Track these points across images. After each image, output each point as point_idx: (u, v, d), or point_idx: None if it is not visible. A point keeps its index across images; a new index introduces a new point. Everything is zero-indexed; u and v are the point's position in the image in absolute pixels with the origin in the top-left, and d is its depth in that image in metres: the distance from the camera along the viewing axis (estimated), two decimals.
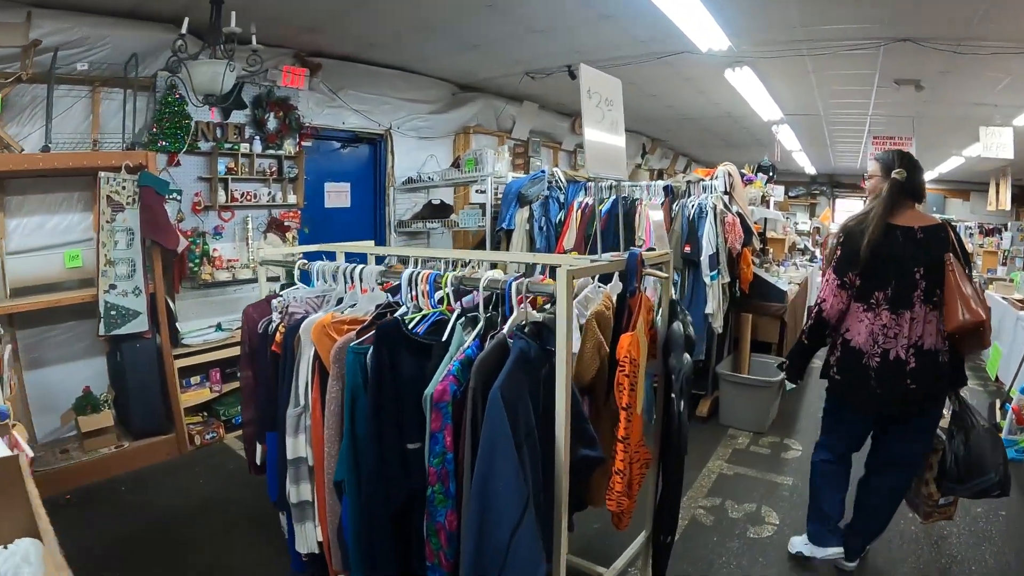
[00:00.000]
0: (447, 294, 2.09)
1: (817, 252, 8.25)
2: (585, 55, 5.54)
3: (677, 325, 2.21)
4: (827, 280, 2.49)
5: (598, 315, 2.11)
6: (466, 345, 1.86)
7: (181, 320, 4.76)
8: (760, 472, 3.86)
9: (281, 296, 2.79)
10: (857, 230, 2.38)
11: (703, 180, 4.59)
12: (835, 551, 2.73)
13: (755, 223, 5.30)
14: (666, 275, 2.15)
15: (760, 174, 6.16)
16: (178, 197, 4.85)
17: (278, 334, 2.61)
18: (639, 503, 2.33)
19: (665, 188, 4.67)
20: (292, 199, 5.34)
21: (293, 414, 2.46)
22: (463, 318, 2.00)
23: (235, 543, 3.10)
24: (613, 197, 4.80)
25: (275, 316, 2.73)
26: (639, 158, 10.16)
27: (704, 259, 4.30)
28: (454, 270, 3.00)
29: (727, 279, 4.38)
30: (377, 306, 2.38)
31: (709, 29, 4.51)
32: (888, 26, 4.49)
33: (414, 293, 2.20)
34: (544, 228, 5.01)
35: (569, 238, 4.82)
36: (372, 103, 5.89)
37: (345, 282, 2.62)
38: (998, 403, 4.59)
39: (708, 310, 4.34)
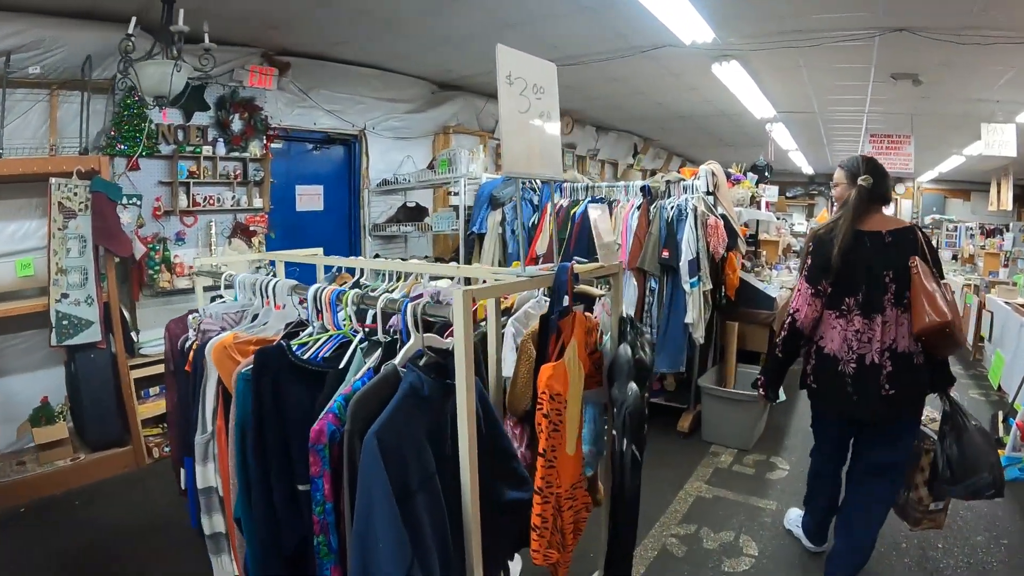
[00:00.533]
0: (349, 315, 1.78)
1: None
2: (563, 50, 5.24)
3: (624, 349, 1.88)
4: (799, 290, 2.44)
5: (536, 335, 1.79)
6: (356, 377, 1.55)
7: (142, 329, 4.51)
8: (742, 495, 3.51)
9: (197, 311, 2.49)
10: (827, 238, 2.35)
11: (684, 180, 4.25)
12: (813, 548, 2.86)
13: (742, 225, 4.96)
14: (602, 292, 1.81)
15: (751, 174, 5.80)
16: (138, 202, 4.59)
17: (191, 353, 2.33)
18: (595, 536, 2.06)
19: (643, 189, 4.33)
20: (258, 203, 5.06)
21: (201, 441, 2.20)
22: (365, 343, 1.69)
23: (177, 565, 2.84)
24: (588, 199, 4.47)
25: (191, 333, 2.44)
26: (630, 158, 9.81)
27: (683, 265, 3.97)
28: (398, 283, 2.72)
29: (709, 286, 4.04)
30: (287, 324, 2.10)
31: (692, 21, 4.18)
32: (883, 15, 4.14)
33: (320, 311, 1.89)
34: (517, 232, 4.68)
35: (542, 243, 4.50)
36: (345, 103, 5.61)
37: (261, 297, 2.31)
38: (1000, 415, 4.22)
39: (688, 319, 4.00)
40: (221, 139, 4.86)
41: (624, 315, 2.02)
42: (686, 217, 4.03)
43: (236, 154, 4.92)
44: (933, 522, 2.54)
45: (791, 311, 2.44)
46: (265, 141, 5.08)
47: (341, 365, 1.67)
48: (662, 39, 4.69)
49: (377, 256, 5.89)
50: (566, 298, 1.74)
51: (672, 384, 4.65)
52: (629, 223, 4.20)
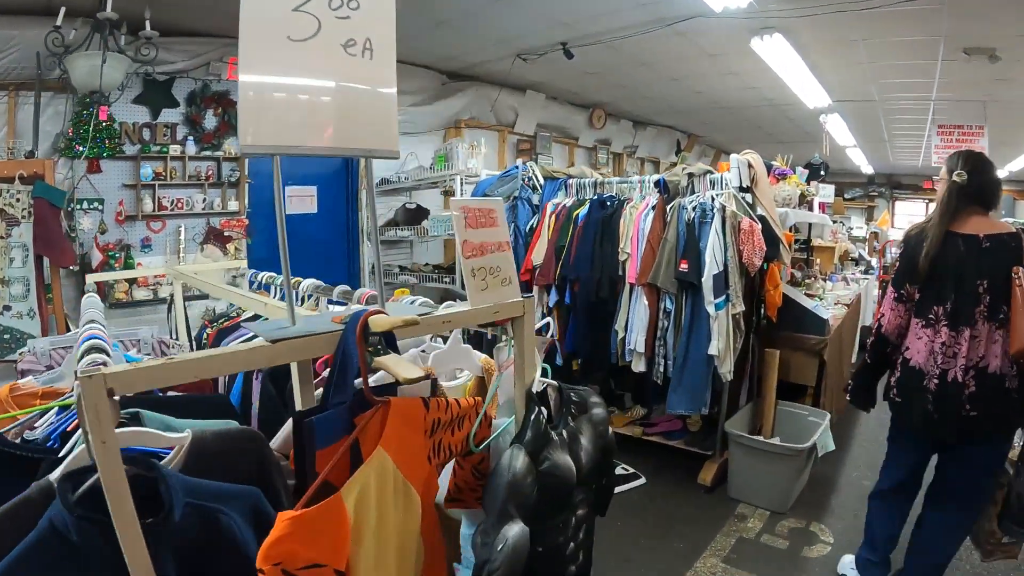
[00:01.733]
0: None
1: (874, 262, 6.63)
2: (578, 28, 4.35)
3: (512, 458, 1.00)
4: (887, 293, 2.23)
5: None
6: None
7: None
8: None
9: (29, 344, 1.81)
10: (917, 239, 2.09)
11: (711, 173, 3.28)
12: None
13: (788, 230, 3.92)
14: (419, 375, 0.90)
15: (801, 169, 4.72)
16: (99, 207, 4.03)
17: None
18: None
19: (657, 183, 3.38)
20: (233, 206, 4.39)
21: None
22: None
23: None
24: (594, 198, 3.56)
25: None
26: (673, 156, 8.72)
27: (707, 280, 3.00)
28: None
29: (740, 308, 3.05)
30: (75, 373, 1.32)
31: None
32: None
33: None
34: (513, 238, 3.82)
35: (539, 251, 3.61)
36: None
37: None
38: None
39: (712, 350, 3.03)
40: (191, 137, 4.23)
41: (538, 388, 1.14)
42: (711, 219, 3.06)
43: (208, 153, 4.29)
44: (1007, 553, 2.24)
45: (878, 315, 2.27)
46: None
47: (63, 452, 0.90)
48: (689, 6, 3.72)
49: (373, 267, 5.15)
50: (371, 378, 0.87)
51: (697, 423, 3.68)
52: (641, 227, 3.26)
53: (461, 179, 4.29)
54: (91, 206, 4.05)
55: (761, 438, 3.28)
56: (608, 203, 3.47)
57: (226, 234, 4.38)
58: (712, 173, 3.28)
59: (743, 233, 3.07)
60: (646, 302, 3.19)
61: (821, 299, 4.47)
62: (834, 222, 7.45)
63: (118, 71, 3.54)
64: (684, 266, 3.05)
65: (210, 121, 4.30)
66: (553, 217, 3.62)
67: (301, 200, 5.00)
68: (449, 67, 5.32)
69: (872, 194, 11.00)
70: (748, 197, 3.30)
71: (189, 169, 4.24)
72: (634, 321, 3.26)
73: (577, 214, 3.52)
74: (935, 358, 2.01)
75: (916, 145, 8.05)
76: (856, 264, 6.65)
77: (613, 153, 7.41)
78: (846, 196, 10.64)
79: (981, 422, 1.98)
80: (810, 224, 5.30)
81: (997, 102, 5.73)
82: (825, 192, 6.10)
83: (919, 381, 2.04)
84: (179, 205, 4.21)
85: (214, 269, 4.60)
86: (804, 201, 4.54)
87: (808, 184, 4.60)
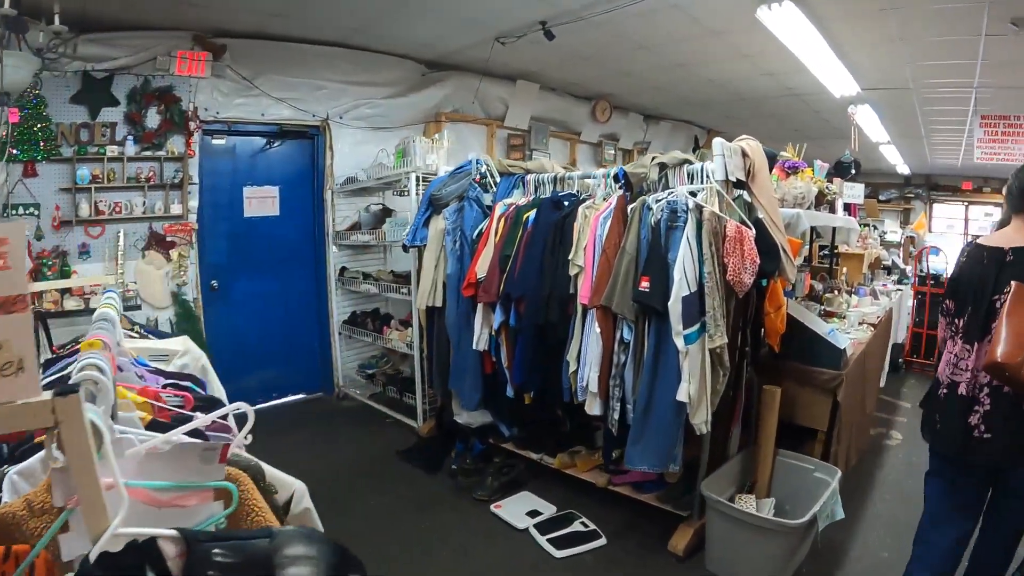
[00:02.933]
0: None
1: (908, 270, 5.45)
2: (558, 3, 3.49)
3: None
4: None
5: None
6: None
7: None
8: None
9: None
10: (961, 253, 1.87)
11: (689, 163, 2.36)
12: None
13: (797, 236, 2.94)
14: None
15: (819, 164, 3.69)
16: (36, 212, 3.46)
17: None
18: None
19: (616, 177, 2.48)
20: (177, 209, 3.73)
21: None
22: None
23: None
24: (549, 196, 2.69)
25: None
26: (690, 153, 7.61)
27: (674, 304, 2.10)
28: None
29: (722, 340, 2.13)
30: None
31: None
32: None
33: None
34: (459, 245, 2.99)
35: (484, 261, 2.77)
36: (303, 89, 4.14)
37: None
38: None
39: (681, 396, 2.13)
40: (132, 137, 3.60)
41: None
42: (682, 223, 2.16)
43: (149, 153, 3.64)
44: None
45: None
46: (187, 136, 3.75)
47: None
48: None
49: (344, 270, 4.41)
50: None
51: (676, 474, 2.76)
52: (599, 233, 2.37)
53: (418, 177, 3.49)
54: (27, 211, 3.48)
55: (746, 505, 2.35)
56: (565, 203, 2.60)
57: (169, 239, 3.73)
58: (691, 163, 2.36)
59: (728, 241, 2.15)
60: (598, 329, 2.31)
61: (842, 318, 3.46)
62: (864, 226, 6.28)
63: (24, 71, 2.94)
64: (645, 284, 2.16)
65: (152, 119, 3.66)
66: (502, 220, 2.78)
67: (262, 202, 4.31)
68: (427, 56, 4.52)
69: (908, 196, 9.54)
70: (740, 194, 2.38)
71: (129, 171, 3.61)
72: (587, 352, 2.38)
73: (527, 217, 2.66)
74: (949, 369, 1.81)
75: (955, 142, 6.73)
76: (888, 273, 5.50)
77: (622, 149, 6.40)
78: (880, 198, 9.27)
79: (997, 446, 1.69)
80: (834, 229, 4.26)
81: None
82: (854, 192, 4.99)
83: (935, 391, 1.86)
84: (117, 209, 3.58)
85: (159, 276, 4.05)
86: (824, 201, 3.53)
87: (830, 181, 3.57)
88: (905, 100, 5.18)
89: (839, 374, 2.62)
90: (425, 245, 3.20)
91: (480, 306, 2.80)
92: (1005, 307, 1.61)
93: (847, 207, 6.25)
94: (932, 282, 4.94)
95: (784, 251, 2.41)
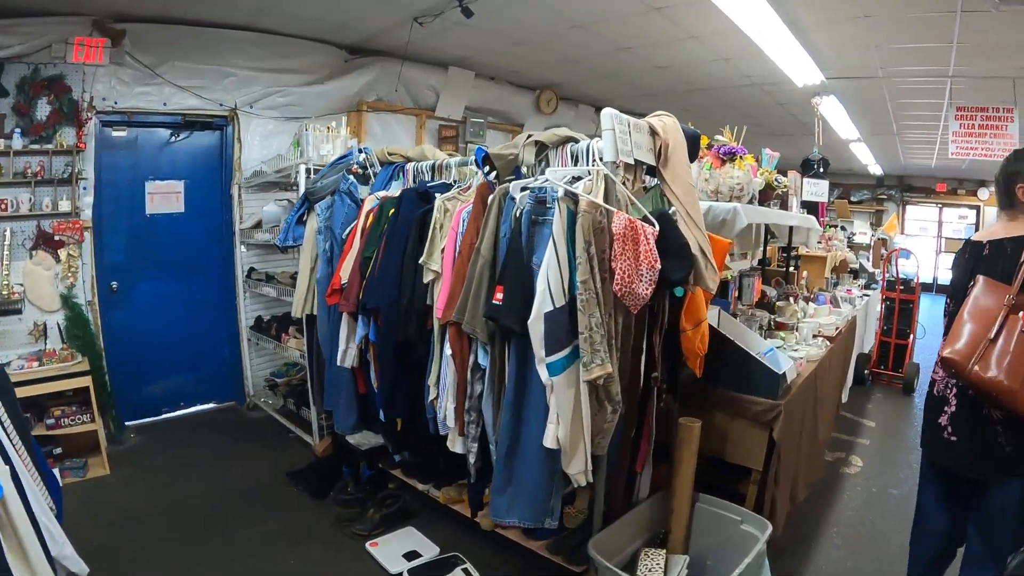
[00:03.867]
0: None
1: (878, 274, 4.78)
2: None
3: None
4: None
5: None
6: None
7: None
8: None
9: None
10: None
11: (574, 141, 1.72)
12: None
13: (733, 235, 2.30)
14: None
15: (768, 154, 3.04)
16: None
17: None
18: None
19: (478, 160, 1.84)
20: (66, 206, 3.13)
21: None
22: None
23: None
24: (415, 186, 2.06)
25: None
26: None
27: (534, 323, 1.46)
28: None
29: (604, 370, 1.49)
30: None
31: None
32: None
33: None
34: (329, 245, 2.35)
35: (348, 264, 2.14)
36: (210, 77, 3.54)
37: None
38: None
39: (548, 441, 1.50)
40: (19, 129, 3.01)
41: None
42: (551, 218, 1.53)
43: (37, 147, 3.05)
44: None
45: None
46: (77, 128, 3.16)
47: None
48: None
49: (252, 271, 3.79)
50: None
51: (577, 515, 2.12)
52: (460, 231, 1.75)
53: (308, 169, 2.86)
54: None
55: (650, 564, 1.72)
56: (435, 195, 1.96)
57: (57, 238, 3.13)
58: (576, 142, 1.72)
59: (617, 241, 1.51)
60: (450, 351, 1.68)
61: (793, 330, 2.81)
62: (832, 226, 5.63)
63: None
64: (499, 296, 1.52)
65: (41, 110, 3.09)
66: (368, 216, 2.14)
67: (165, 198, 3.69)
68: (349, 40, 3.89)
69: (881, 197, 8.86)
70: (651, 182, 1.76)
71: (16, 165, 3.04)
72: (444, 378, 1.75)
73: (392, 212, 2.03)
74: (934, 368, 1.64)
75: (929, 139, 6.06)
76: (855, 277, 4.84)
77: None
78: (852, 199, 8.59)
79: (965, 452, 1.51)
80: (791, 229, 3.61)
81: None
82: (817, 189, 4.35)
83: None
84: (3, 207, 3.00)
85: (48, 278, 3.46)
86: (774, 196, 2.88)
87: (783, 174, 2.92)
88: (875, 91, 4.53)
89: (776, 404, 1.98)
90: (300, 245, 2.58)
91: (345, 316, 2.18)
92: (967, 300, 1.46)
93: (812, 206, 5.60)
94: (901, 287, 4.28)
95: (703, 253, 1.76)
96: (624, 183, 1.84)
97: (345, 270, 2.14)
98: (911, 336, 4.20)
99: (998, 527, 1.50)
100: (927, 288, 9.05)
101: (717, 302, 2.48)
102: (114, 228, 3.50)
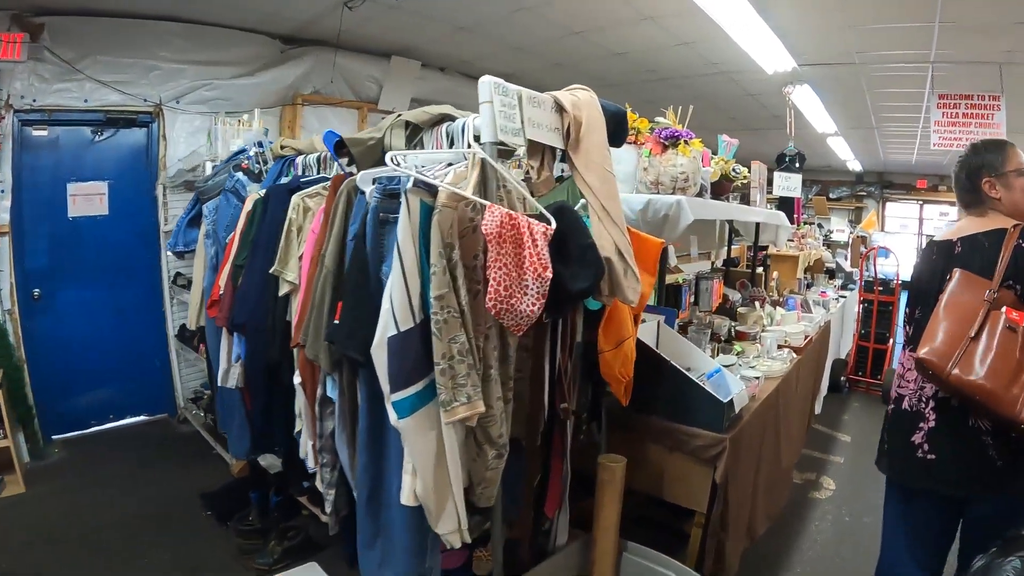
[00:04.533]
0: None
1: (856, 273, 4.37)
2: None
3: None
4: None
5: None
6: None
7: None
8: None
9: None
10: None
11: (449, 119, 1.32)
12: None
13: (677, 234, 1.90)
14: None
15: (724, 140, 2.63)
16: None
17: None
18: None
19: (329, 145, 1.44)
20: None
21: None
22: None
23: None
24: (286, 183, 1.67)
25: None
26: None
27: (378, 352, 1.07)
28: None
29: (472, 409, 1.10)
30: None
31: None
32: None
33: None
34: (215, 250, 1.96)
35: (226, 272, 1.75)
36: (134, 71, 3.18)
37: None
38: None
39: (405, 497, 1.11)
40: None
41: None
42: (396, 214, 1.13)
43: None
44: None
45: None
46: None
47: None
48: None
49: (178, 276, 3.39)
50: None
51: (488, 560, 1.72)
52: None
53: (210, 167, 2.47)
54: None
55: None
56: (283, 192, 1.56)
57: None
58: (451, 120, 1.32)
59: (492, 244, 1.12)
60: (298, 379, 1.29)
61: (755, 341, 2.41)
62: (807, 223, 5.22)
63: None
64: (340, 316, 1.12)
65: None
66: (245, 218, 1.75)
67: (88, 200, 3.29)
68: (283, 29, 3.49)
69: (860, 194, 8.42)
70: (557, 169, 1.36)
71: None
72: (302, 411, 1.36)
73: (261, 213, 1.63)
74: (897, 381, 1.45)
75: (910, 133, 5.64)
76: (831, 277, 4.43)
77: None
78: (831, 196, 8.17)
79: (946, 472, 1.31)
80: (757, 226, 3.20)
81: (1019, 64, 3.48)
82: (790, 183, 3.97)
83: (887, 406, 1.51)
84: None
85: None
86: (732, 189, 2.48)
87: (744, 166, 2.51)
88: (852, 80, 4.12)
89: (720, 439, 1.58)
90: (193, 250, 2.18)
91: (224, 331, 1.78)
92: (943, 297, 1.30)
93: (788, 202, 5.17)
94: (880, 288, 3.87)
95: (622, 257, 1.36)
96: (529, 172, 1.46)
97: (224, 278, 1.75)
98: (890, 341, 3.79)
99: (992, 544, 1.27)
100: (906, 286, 8.55)
101: (663, 311, 2.08)
102: (35, 232, 3.14)
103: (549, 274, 1.16)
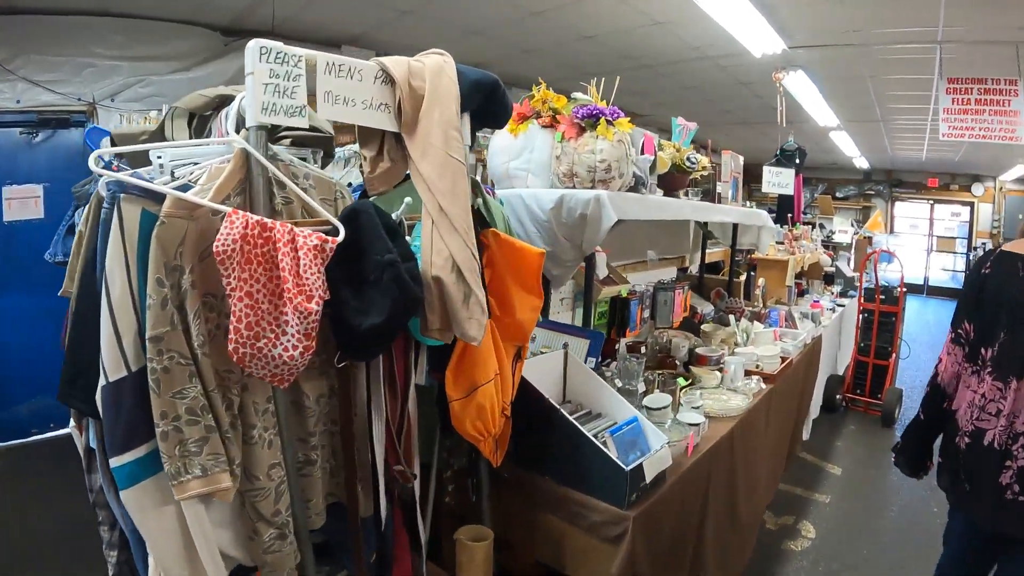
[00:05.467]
0: None
1: (857, 279, 3.79)
2: None
3: None
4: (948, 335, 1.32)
5: None
6: None
7: None
8: None
9: None
10: (982, 263, 1.25)
11: (228, 99, 0.94)
12: None
13: (600, 238, 1.46)
14: None
15: (679, 125, 2.17)
16: None
17: None
18: None
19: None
20: None
21: None
22: None
23: None
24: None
25: None
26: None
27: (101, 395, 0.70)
28: None
29: (210, 484, 0.71)
30: None
31: None
32: None
33: None
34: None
35: None
36: (67, 69, 2.93)
37: None
38: None
39: None
40: None
41: None
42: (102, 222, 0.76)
43: None
44: None
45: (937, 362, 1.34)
46: None
47: None
48: None
49: None
50: None
51: None
52: None
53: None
54: None
55: None
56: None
57: None
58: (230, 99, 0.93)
59: (231, 266, 0.71)
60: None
61: (718, 367, 1.95)
62: (809, 224, 4.66)
63: None
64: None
65: None
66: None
67: (23, 203, 3.02)
68: (219, 20, 3.13)
69: (868, 193, 7.67)
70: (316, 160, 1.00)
71: None
72: None
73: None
74: (972, 411, 1.20)
75: (919, 126, 5.00)
76: (829, 283, 3.88)
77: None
78: (838, 195, 7.47)
79: None
80: (735, 228, 2.71)
81: None
82: (781, 179, 3.47)
83: (952, 437, 1.25)
84: None
85: None
86: (689, 183, 2.02)
87: (696, 152, 2.04)
88: (850, 64, 3.57)
89: (622, 517, 1.14)
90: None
91: None
92: None
93: (788, 201, 4.63)
94: (882, 296, 3.32)
95: (461, 277, 0.94)
96: (363, 162, 1.07)
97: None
98: (892, 356, 3.23)
99: None
100: (916, 290, 7.82)
101: (591, 334, 1.64)
102: None
103: (315, 306, 0.77)
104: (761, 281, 3.18)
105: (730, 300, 2.68)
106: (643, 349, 2.00)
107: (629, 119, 1.53)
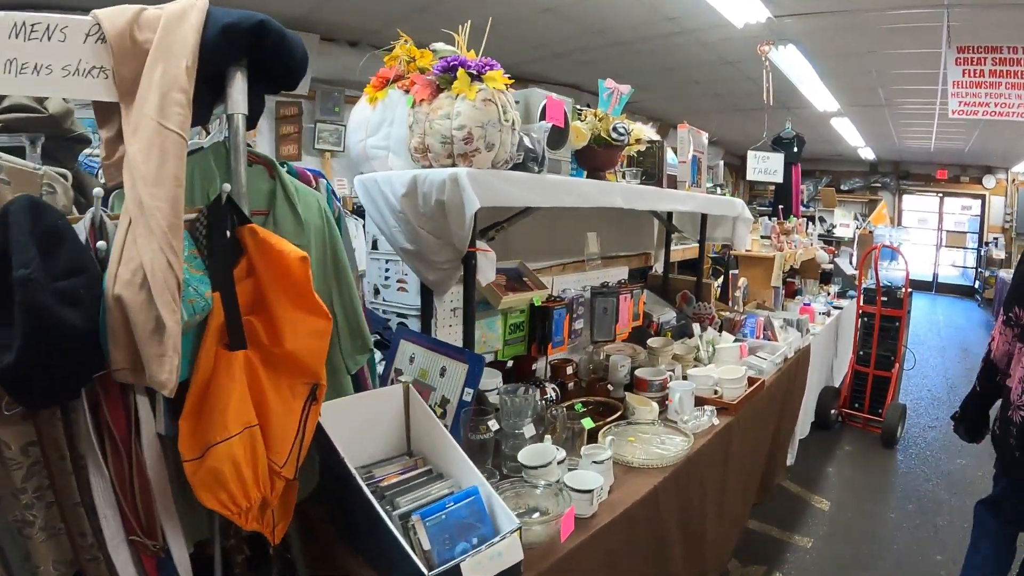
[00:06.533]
0: None
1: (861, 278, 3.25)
2: None
3: None
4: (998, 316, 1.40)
5: None
6: None
7: None
8: None
9: None
10: None
11: None
12: None
13: (465, 233, 1.02)
14: None
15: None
16: None
17: None
18: None
19: None
20: None
21: None
22: None
23: None
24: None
25: None
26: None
27: None
28: None
29: None
30: None
31: None
32: None
33: None
34: None
35: None
36: None
37: None
38: None
39: None
40: None
41: None
42: None
43: None
44: None
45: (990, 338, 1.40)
46: None
47: None
48: None
49: None
50: None
51: None
52: None
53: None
54: None
55: None
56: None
57: None
58: None
59: None
60: None
61: (659, 393, 1.49)
62: (808, 217, 4.11)
63: None
64: None
65: None
66: None
67: None
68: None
69: (875, 185, 6.98)
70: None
71: None
72: None
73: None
74: None
75: (927, 112, 4.38)
76: (825, 282, 3.34)
77: None
78: (843, 188, 6.82)
79: None
80: (704, 220, 2.23)
81: None
82: (767, 165, 2.97)
83: (1006, 411, 1.31)
84: None
85: None
86: (627, 162, 1.57)
87: (645, 126, 1.57)
88: (846, 36, 3.02)
89: None
90: None
91: None
92: None
93: (785, 190, 4.11)
94: (884, 298, 2.79)
95: (149, 292, 0.52)
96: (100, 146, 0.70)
97: None
98: (896, 366, 2.70)
99: None
100: (924, 288, 7.08)
101: (471, 356, 1.20)
102: None
103: None
104: (742, 282, 2.69)
105: (698, 305, 2.20)
106: (570, 370, 1.56)
107: (508, 75, 1.09)
